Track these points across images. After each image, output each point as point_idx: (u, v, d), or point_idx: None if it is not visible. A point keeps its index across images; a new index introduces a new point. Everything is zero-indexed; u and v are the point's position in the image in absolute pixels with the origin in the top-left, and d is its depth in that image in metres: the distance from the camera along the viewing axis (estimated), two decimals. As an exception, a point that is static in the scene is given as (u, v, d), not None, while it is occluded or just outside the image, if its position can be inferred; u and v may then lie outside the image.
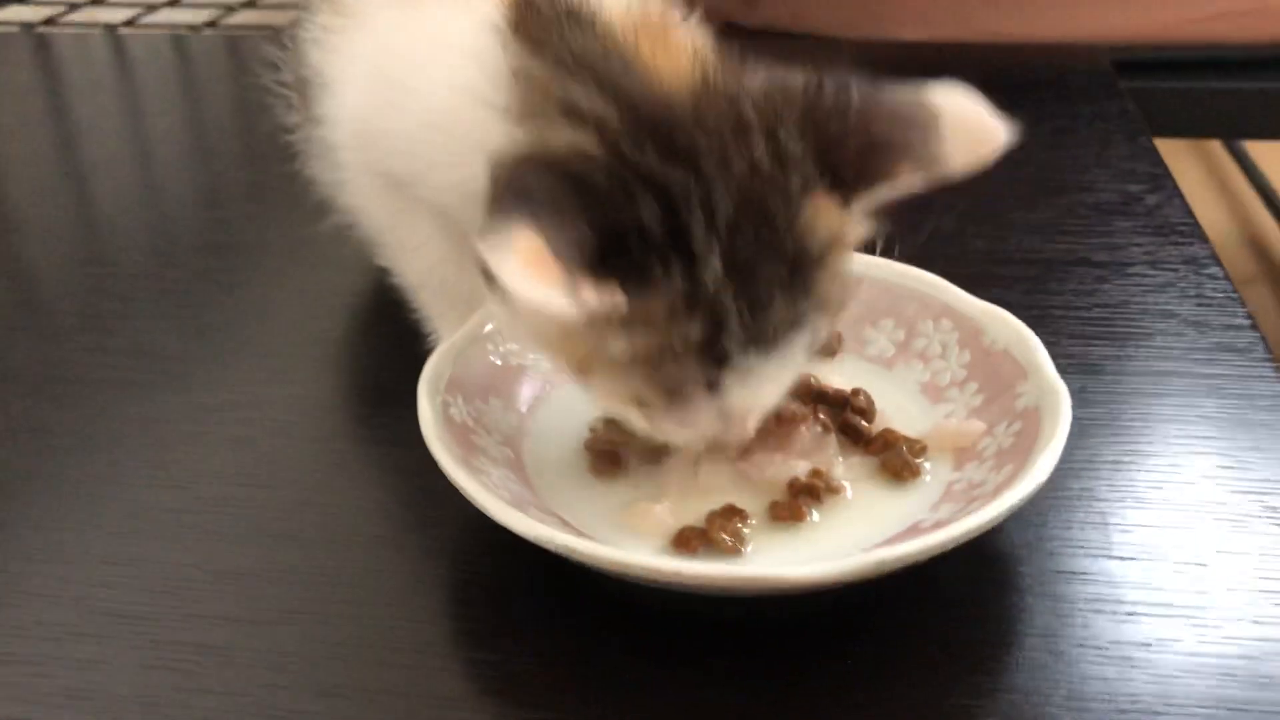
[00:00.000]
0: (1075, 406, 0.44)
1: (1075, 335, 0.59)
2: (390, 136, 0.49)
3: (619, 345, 0.39)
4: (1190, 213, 0.71)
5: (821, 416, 0.48)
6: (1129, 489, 0.48)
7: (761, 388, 0.41)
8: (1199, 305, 0.61)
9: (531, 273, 0.35)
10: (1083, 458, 0.49)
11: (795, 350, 0.41)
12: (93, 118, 0.99)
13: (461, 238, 0.52)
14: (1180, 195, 0.74)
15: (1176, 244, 0.68)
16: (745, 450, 0.47)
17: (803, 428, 0.47)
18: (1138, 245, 0.68)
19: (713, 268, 0.38)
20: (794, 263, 0.39)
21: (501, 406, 0.50)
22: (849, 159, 0.40)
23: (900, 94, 0.40)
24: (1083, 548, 0.45)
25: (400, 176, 0.51)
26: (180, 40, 1.25)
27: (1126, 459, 0.50)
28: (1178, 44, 1.07)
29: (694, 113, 0.40)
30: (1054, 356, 0.47)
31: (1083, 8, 1.07)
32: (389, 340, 0.58)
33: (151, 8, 1.46)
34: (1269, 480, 0.48)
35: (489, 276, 0.36)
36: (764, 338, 0.39)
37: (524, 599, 0.43)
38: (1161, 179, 0.76)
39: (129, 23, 1.40)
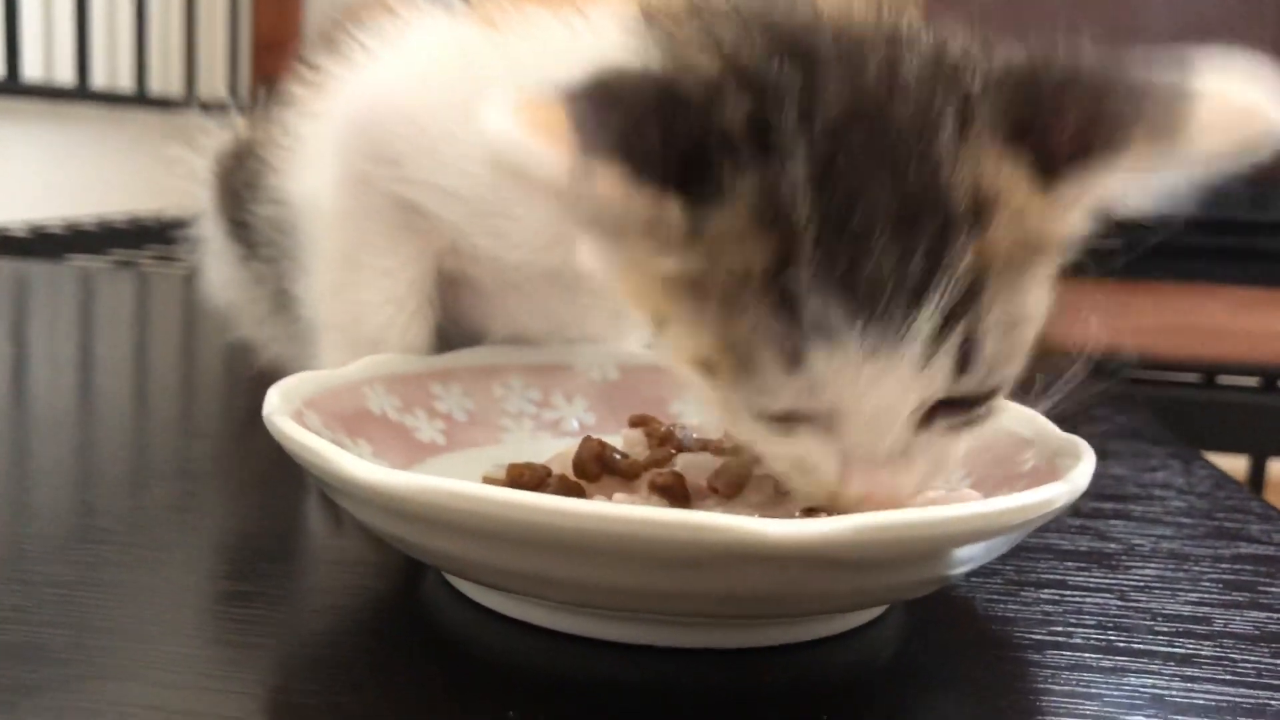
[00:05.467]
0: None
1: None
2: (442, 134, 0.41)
3: (671, 263, 0.30)
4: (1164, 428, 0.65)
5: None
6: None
7: (864, 379, 0.30)
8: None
9: (524, 125, 0.28)
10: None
11: (918, 339, 0.29)
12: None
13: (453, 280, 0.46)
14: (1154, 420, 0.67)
15: (1158, 443, 0.61)
16: (677, 497, 0.36)
17: (754, 475, 0.37)
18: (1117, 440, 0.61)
19: (792, 171, 0.29)
20: (923, 205, 0.29)
21: (370, 452, 0.39)
22: (1063, 131, 0.31)
23: (1156, 72, 0.31)
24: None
25: (416, 194, 0.43)
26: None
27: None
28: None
29: (835, 21, 0.32)
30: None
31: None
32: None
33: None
34: None
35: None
36: (857, 290, 0.29)
37: None
38: (1125, 400, 0.70)
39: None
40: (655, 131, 0.30)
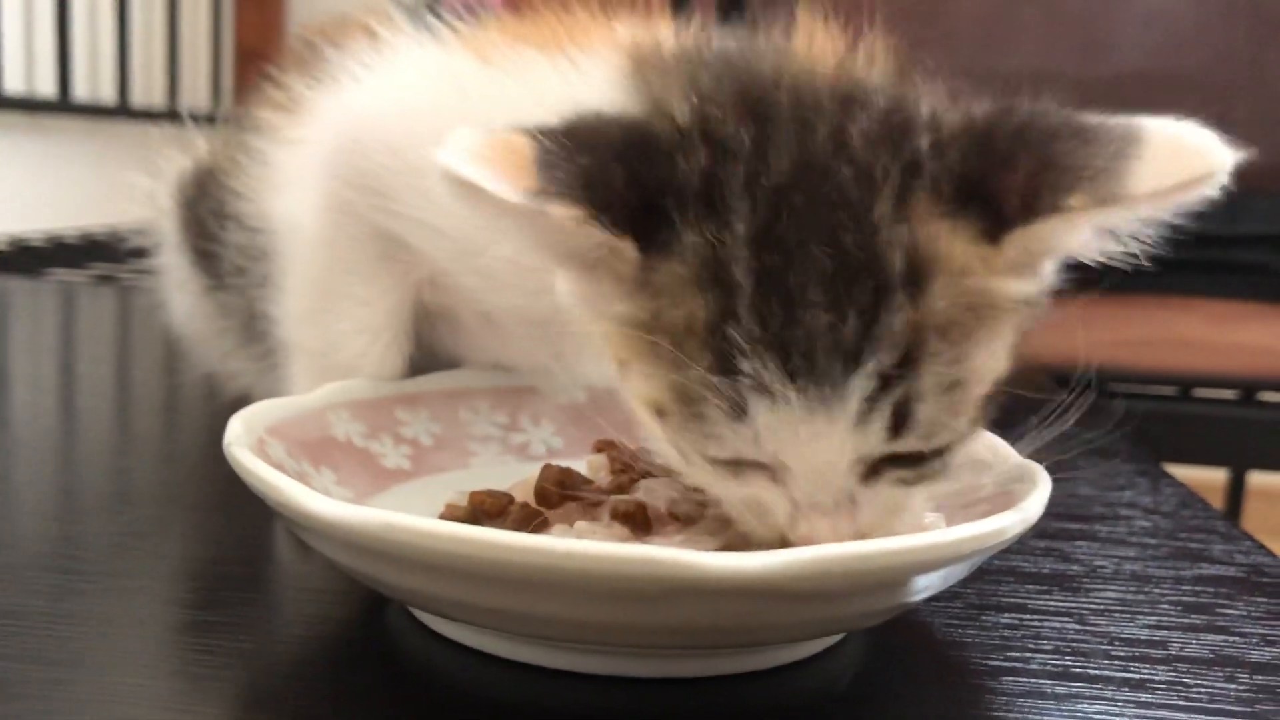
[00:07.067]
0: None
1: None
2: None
3: (624, 306, 0.32)
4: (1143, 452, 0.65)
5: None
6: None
7: (802, 435, 0.30)
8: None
9: (484, 156, 0.29)
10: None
11: (853, 401, 0.30)
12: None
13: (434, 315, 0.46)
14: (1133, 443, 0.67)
15: (1128, 460, 0.61)
16: (639, 525, 0.37)
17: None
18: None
19: (734, 230, 0.30)
20: (858, 268, 0.30)
21: (335, 480, 0.40)
22: (1010, 188, 0.31)
23: (1106, 120, 0.32)
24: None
25: (400, 228, 0.42)
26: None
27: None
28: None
29: (795, 79, 0.33)
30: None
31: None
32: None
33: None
34: None
35: None
36: (794, 351, 0.29)
37: None
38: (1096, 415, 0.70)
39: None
40: (620, 176, 0.31)
